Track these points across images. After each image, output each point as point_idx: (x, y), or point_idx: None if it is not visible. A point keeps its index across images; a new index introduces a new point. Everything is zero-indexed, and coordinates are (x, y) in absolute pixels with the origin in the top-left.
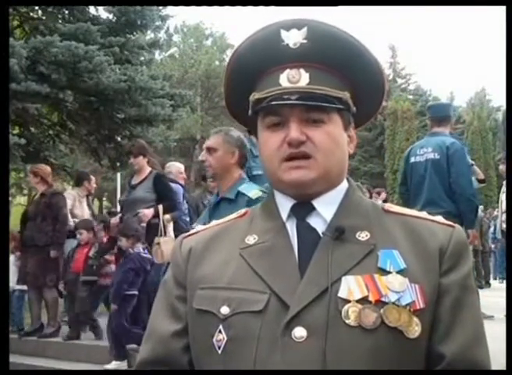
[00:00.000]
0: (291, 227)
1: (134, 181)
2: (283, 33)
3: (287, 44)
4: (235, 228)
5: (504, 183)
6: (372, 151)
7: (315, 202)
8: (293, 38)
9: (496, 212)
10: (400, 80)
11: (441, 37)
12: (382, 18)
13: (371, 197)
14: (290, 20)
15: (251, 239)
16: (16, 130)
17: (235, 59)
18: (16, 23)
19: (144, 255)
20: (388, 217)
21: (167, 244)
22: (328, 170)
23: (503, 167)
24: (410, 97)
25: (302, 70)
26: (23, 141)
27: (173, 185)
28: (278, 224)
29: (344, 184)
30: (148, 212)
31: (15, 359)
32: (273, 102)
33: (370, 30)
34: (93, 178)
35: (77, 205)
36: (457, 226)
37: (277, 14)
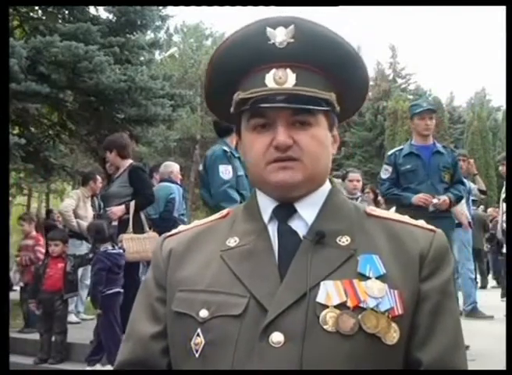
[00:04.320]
0: (272, 230)
1: (115, 175)
2: (269, 32)
3: (273, 43)
4: (216, 229)
5: (504, 183)
6: (372, 151)
7: (297, 205)
8: (280, 37)
9: (493, 212)
10: (400, 80)
11: (441, 37)
12: (382, 18)
13: (375, 198)
14: (276, 18)
15: (232, 241)
16: (16, 130)
17: (218, 55)
18: (16, 23)
19: (112, 251)
20: (370, 221)
21: (129, 241)
22: (314, 173)
23: (503, 168)
24: (410, 97)
25: (289, 70)
26: (23, 141)
27: (173, 185)
28: (259, 227)
29: (326, 186)
30: (116, 210)
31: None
32: (259, 105)
33: (370, 30)
34: (99, 178)
35: (81, 206)
36: (438, 230)
37: (277, 14)
